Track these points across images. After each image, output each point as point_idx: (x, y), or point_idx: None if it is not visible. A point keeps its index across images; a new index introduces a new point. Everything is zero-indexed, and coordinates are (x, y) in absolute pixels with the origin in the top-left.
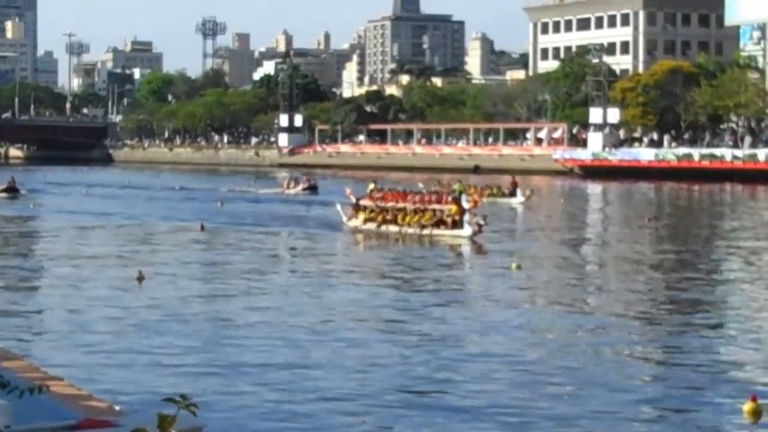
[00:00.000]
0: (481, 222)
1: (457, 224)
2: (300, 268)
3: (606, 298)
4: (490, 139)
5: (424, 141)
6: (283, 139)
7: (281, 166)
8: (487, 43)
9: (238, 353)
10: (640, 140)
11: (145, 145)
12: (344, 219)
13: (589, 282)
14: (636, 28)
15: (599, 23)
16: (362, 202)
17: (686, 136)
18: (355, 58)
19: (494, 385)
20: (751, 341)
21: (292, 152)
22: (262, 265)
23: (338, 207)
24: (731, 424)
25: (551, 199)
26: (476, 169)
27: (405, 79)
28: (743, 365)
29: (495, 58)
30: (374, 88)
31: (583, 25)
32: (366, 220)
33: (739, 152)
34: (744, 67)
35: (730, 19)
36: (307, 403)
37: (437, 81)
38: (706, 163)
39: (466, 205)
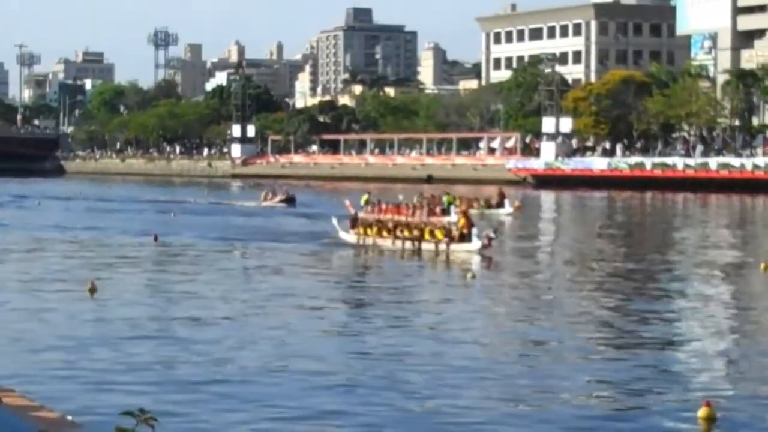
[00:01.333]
0: (492, 235)
1: (465, 238)
2: (258, 282)
3: (559, 308)
4: (444, 149)
5: (377, 151)
6: (236, 149)
7: (234, 176)
8: (439, 53)
9: (191, 366)
10: (592, 149)
11: (97, 156)
12: (340, 232)
13: (543, 292)
14: (588, 38)
15: (551, 33)
16: (361, 215)
17: (638, 145)
18: (307, 68)
19: (446, 398)
20: (703, 349)
21: (244, 163)
22: (218, 278)
23: (334, 220)
24: (686, 430)
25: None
26: (429, 179)
27: (358, 89)
28: (697, 373)
29: (448, 68)
30: (327, 98)
31: (536, 35)
32: (364, 234)
33: (690, 161)
34: (695, 77)
35: (681, 29)
36: (264, 420)
37: (390, 91)
38: (658, 172)
39: (454, 217)
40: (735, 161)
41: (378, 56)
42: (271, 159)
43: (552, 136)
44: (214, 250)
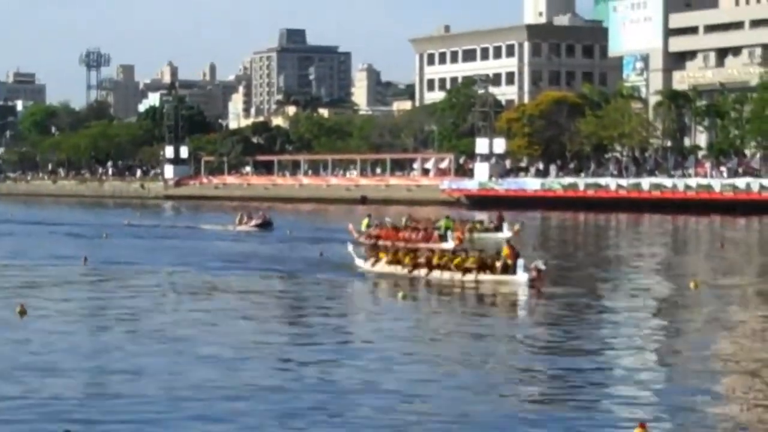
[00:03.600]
0: (541, 266)
1: (508, 269)
2: (196, 304)
3: (488, 328)
4: (378, 170)
5: (311, 172)
6: (169, 170)
7: (167, 198)
8: (373, 74)
9: (118, 386)
10: (526, 170)
11: (29, 177)
12: (358, 262)
13: (477, 312)
14: (521, 59)
15: (485, 54)
16: (382, 242)
17: (571, 165)
18: (241, 89)
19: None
20: (635, 370)
21: (177, 184)
22: (147, 302)
23: (350, 248)
24: None
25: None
26: (363, 200)
27: (291, 110)
28: (631, 394)
29: (381, 89)
30: (261, 119)
31: (469, 56)
32: (390, 263)
33: (623, 181)
34: (627, 98)
35: (613, 50)
36: None
37: (324, 112)
38: (591, 193)
39: (451, 243)
40: (667, 182)
41: (312, 77)
42: (204, 180)
43: (485, 157)
44: (148, 274)
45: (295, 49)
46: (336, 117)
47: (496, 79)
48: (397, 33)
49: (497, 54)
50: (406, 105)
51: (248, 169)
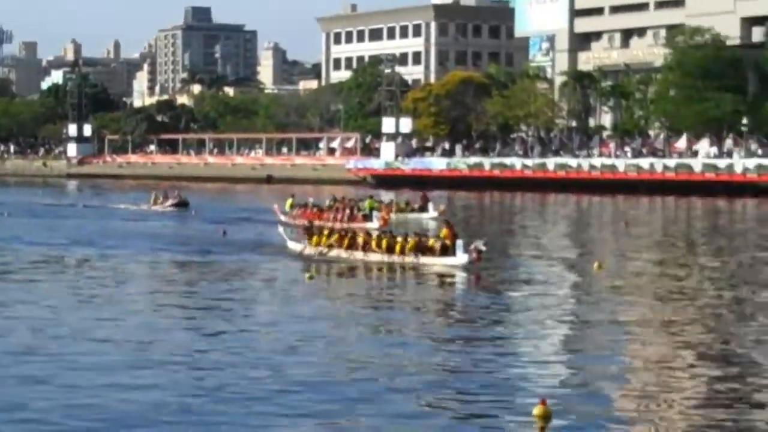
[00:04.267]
0: (481, 247)
1: (447, 250)
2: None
3: (394, 309)
4: (283, 149)
5: (216, 151)
6: (72, 149)
7: (69, 176)
8: (279, 53)
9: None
10: (432, 150)
11: None
12: (291, 244)
13: (384, 294)
14: (428, 39)
15: (391, 34)
16: (318, 223)
17: (477, 145)
18: (145, 67)
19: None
20: (537, 348)
21: (81, 162)
22: (44, 277)
23: (280, 229)
24: (521, 426)
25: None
26: (269, 179)
27: (197, 88)
28: (532, 372)
29: (288, 68)
30: (165, 97)
31: (376, 35)
32: (325, 245)
33: (528, 161)
34: (533, 78)
35: (519, 31)
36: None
37: (229, 91)
38: (497, 172)
39: (376, 223)
40: (572, 161)
41: (217, 56)
42: (108, 159)
43: (392, 137)
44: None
45: (200, 27)
46: (241, 96)
47: (402, 59)
48: (304, 12)
49: (404, 33)
50: (313, 84)
51: (152, 147)
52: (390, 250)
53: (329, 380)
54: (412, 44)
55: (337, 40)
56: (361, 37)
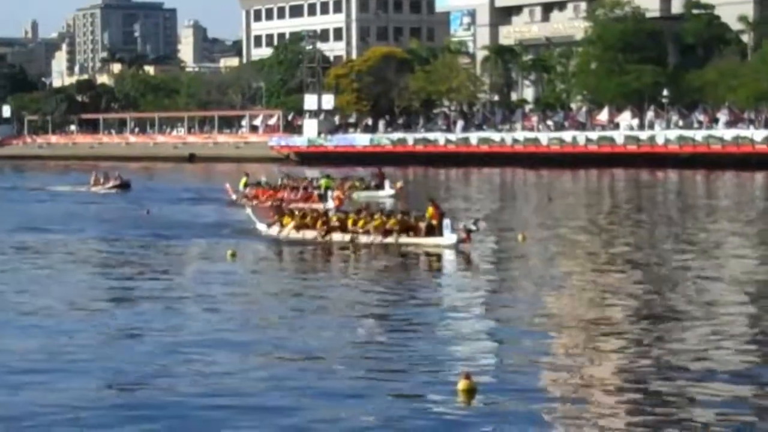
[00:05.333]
0: (472, 227)
1: (434, 230)
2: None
3: (316, 289)
4: (206, 127)
5: (137, 130)
6: None
7: None
8: (199, 30)
9: None
10: (355, 126)
11: None
12: (260, 226)
13: (310, 272)
14: (349, 15)
15: (312, 10)
16: (289, 206)
17: (400, 121)
18: (64, 47)
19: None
20: (459, 322)
21: (0, 144)
22: None
23: (248, 210)
24: (445, 402)
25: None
26: (191, 158)
27: (117, 67)
28: (455, 347)
29: (208, 46)
30: (85, 77)
31: (296, 12)
32: (298, 227)
33: (452, 136)
34: (455, 53)
35: (440, 5)
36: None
37: (150, 69)
38: (420, 148)
39: (331, 203)
40: (495, 136)
41: (137, 34)
42: (28, 140)
43: (314, 113)
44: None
45: (119, 5)
46: (162, 74)
47: (323, 35)
48: None
49: (325, 9)
50: (234, 62)
51: (73, 128)
52: (369, 231)
53: (245, 366)
54: (333, 20)
55: (258, 17)
56: (281, 14)
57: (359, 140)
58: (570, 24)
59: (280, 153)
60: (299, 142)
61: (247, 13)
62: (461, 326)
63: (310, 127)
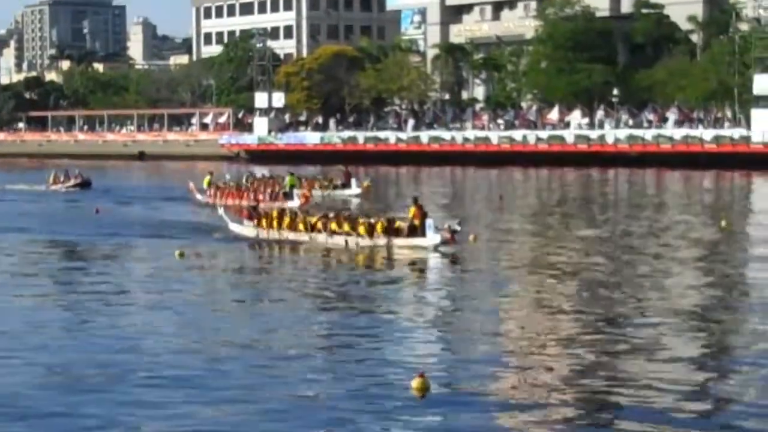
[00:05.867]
0: (456, 227)
1: (416, 231)
2: None
3: (274, 289)
4: (155, 125)
5: (86, 128)
6: None
7: None
8: (149, 28)
9: None
10: (305, 124)
11: None
12: (233, 227)
13: (267, 270)
14: (299, 13)
15: (262, 8)
16: (239, 203)
17: (351, 119)
18: (12, 43)
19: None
20: (413, 321)
21: None
22: None
23: (221, 211)
24: (400, 399)
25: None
26: (141, 156)
27: (65, 65)
28: (408, 345)
29: (158, 43)
30: (33, 74)
31: (247, 9)
32: (278, 228)
33: (402, 135)
34: (406, 51)
35: (391, 4)
36: None
37: (99, 67)
38: (371, 146)
39: (296, 201)
40: (446, 134)
41: (86, 31)
42: None
43: (265, 111)
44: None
45: (67, 2)
46: (111, 72)
47: (274, 33)
48: None
49: (275, 7)
50: (184, 59)
51: (21, 125)
52: (351, 232)
53: (191, 369)
54: (284, 18)
55: (208, 15)
56: (231, 12)
57: (310, 138)
58: (520, 23)
59: (231, 151)
60: (249, 140)
61: (198, 10)
62: (414, 326)
63: (261, 125)
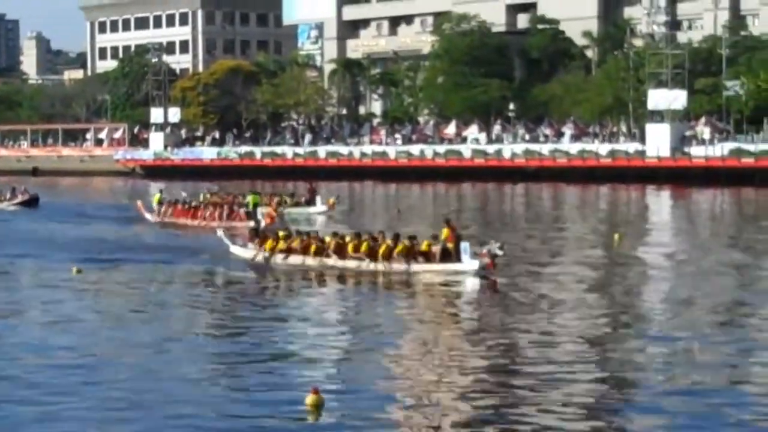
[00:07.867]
0: (497, 251)
1: (449, 255)
2: None
3: (211, 303)
4: (49, 141)
5: None
6: None
7: None
8: (43, 42)
9: None
10: (202, 139)
11: None
12: (236, 249)
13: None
14: (195, 28)
15: (158, 22)
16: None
17: (248, 134)
18: None
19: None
20: (308, 338)
21: None
22: None
23: (220, 232)
24: (294, 416)
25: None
26: (35, 172)
27: None
28: (303, 361)
29: (52, 58)
30: None
31: (142, 24)
32: (288, 252)
33: (300, 150)
34: (303, 66)
35: (288, 19)
36: None
37: None
38: (268, 161)
39: (262, 221)
40: (343, 149)
41: None
42: None
43: (160, 127)
44: None
45: None
46: (4, 86)
47: (169, 48)
48: (68, 0)
49: (170, 22)
50: (78, 74)
51: None
52: (372, 255)
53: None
54: (179, 33)
55: (102, 29)
56: (126, 26)
57: (206, 153)
58: (417, 38)
59: (126, 167)
60: (145, 155)
61: (92, 24)
62: (309, 344)
63: (156, 140)
